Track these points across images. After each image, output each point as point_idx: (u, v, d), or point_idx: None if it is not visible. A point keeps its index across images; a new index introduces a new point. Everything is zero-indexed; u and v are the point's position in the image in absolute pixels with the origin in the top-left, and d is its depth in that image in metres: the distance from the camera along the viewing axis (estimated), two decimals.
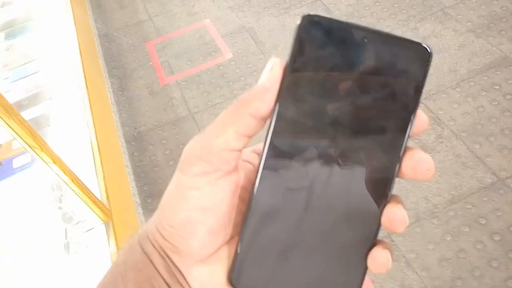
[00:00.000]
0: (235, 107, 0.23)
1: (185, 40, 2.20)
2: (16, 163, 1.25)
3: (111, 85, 2.05)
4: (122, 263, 0.25)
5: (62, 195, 1.07)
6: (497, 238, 1.28)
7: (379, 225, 0.22)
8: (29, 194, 1.14)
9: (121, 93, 2.04)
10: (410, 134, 0.22)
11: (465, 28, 1.86)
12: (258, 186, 0.23)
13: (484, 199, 1.36)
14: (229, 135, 0.23)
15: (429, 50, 0.22)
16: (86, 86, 1.48)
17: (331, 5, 2.13)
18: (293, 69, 0.22)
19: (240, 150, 0.24)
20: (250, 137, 0.23)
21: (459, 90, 1.66)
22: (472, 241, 1.29)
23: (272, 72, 0.23)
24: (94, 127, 1.34)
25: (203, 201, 0.23)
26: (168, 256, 0.24)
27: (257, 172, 0.23)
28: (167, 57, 2.13)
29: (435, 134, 1.55)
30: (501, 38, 1.79)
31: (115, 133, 1.69)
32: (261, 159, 0.23)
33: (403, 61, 0.22)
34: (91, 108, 1.41)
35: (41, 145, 0.90)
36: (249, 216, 0.23)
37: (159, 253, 0.24)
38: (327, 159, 0.23)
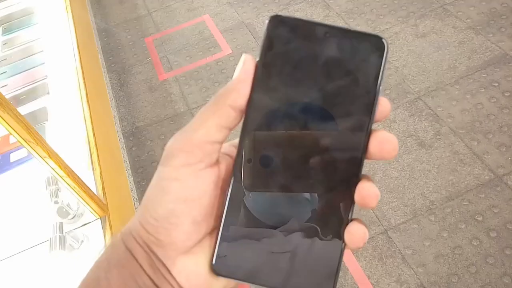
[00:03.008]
0: (214, 101, 0.24)
1: (184, 35, 2.19)
2: (13, 157, 1.25)
3: (109, 80, 2.05)
4: (104, 260, 0.25)
5: (58, 189, 1.06)
6: (493, 234, 1.28)
7: (352, 203, 0.24)
8: (26, 188, 1.14)
9: (119, 88, 2.04)
10: (374, 119, 0.24)
11: (465, 25, 1.86)
12: (235, 176, 0.24)
13: (481, 196, 1.36)
14: (210, 128, 0.24)
15: (384, 42, 0.24)
16: (84, 81, 1.48)
17: (330, 1, 2.12)
18: (264, 63, 0.24)
19: (221, 143, 0.24)
20: (230, 129, 0.24)
21: (458, 87, 1.66)
22: (469, 238, 1.29)
23: (245, 66, 0.24)
24: (92, 122, 1.34)
25: (186, 193, 0.23)
26: (152, 251, 0.24)
27: (234, 162, 0.25)
28: (166, 53, 2.13)
29: (433, 131, 1.55)
30: (501, 35, 1.78)
31: (113, 128, 1.69)
32: (238, 149, 0.25)
33: (362, 52, 0.24)
34: (89, 103, 1.41)
35: (36, 140, 0.89)
36: (227, 205, 0.24)
37: (143, 248, 0.24)
38: (298, 144, 0.24)
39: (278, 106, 0.24)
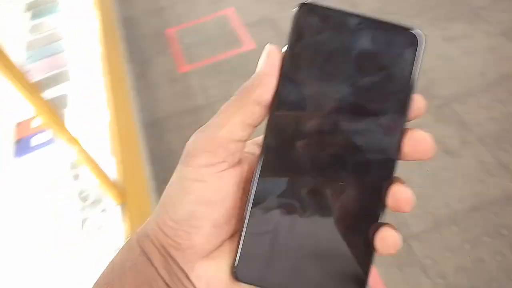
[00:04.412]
0: (239, 97, 0.23)
1: (206, 28, 2.18)
2: (34, 141, 1.25)
3: (130, 70, 2.05)
4: (119, 263, 0.24)
5: (77, 174, 1.07)
6: None
7: (384, 206, 0.22)
8: (45, 173, 1.15)
9: (140, 78, 2.04)
10: (409, 117, 0.23)
11: (496, 30, 1.79)
12: (259, 177, 0.23)
13: (508, 209, 1.31)
14: (234, 125, 0.22)
15: (421, 35, 0.23)
16: (106, 70, 1.47)
17: (357, 0, 2.07)
18: (291, 55, 0.23)
19: (245, 141, 0.23)
20: (255, 126, 0.23)
21: (487, 94, 1.60)
22: (492, 252, 1.24)
23: (270, 58, 0.23)
24: (112, 110, 1.33)
25: (208, 194, 0.22)
26: (169, 255, 0.23)
27: (258, 162, 0.23)
28: (188, 45, 2.12)
29: (459, 138, 1.50)
30: None
31: (133, 118, 1.69)
32: (262, 148, 0.23)
33: (397, 46, 0.22)
34: (109, 91, 1.40)
35: (59, 125, 0.89)
36: (250, 207, 0.23)
37: (160, 252, 0.23)
38: (329, 144, 0.23)
39: (306, 101, 0.22)
